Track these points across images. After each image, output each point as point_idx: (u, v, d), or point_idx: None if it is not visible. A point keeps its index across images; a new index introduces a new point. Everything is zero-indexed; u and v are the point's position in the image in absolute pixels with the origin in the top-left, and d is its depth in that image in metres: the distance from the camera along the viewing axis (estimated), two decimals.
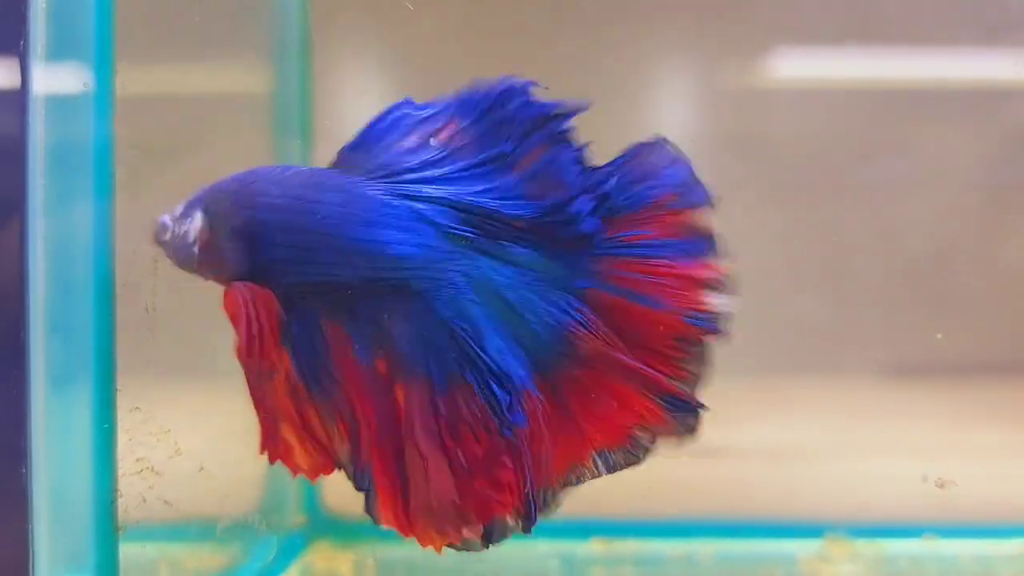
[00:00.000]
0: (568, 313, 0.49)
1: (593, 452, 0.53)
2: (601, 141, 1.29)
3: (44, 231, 0.49)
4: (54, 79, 0.49)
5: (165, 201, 0.63)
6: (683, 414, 0.53)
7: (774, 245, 1.31)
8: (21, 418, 0.49)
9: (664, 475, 0.96)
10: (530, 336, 0.49)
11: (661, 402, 0.52)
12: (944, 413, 1.19)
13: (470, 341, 0.47)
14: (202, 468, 0.56)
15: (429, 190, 0.48)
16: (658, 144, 0.53)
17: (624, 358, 0.50)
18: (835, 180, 1.25)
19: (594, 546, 0.86)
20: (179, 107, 0.69)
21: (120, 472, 0.49)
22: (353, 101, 1.14)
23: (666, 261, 0.51)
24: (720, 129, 1.30)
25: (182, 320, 0.56)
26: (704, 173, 1.32)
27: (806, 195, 1.23)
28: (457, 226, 0.47)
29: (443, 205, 0.47)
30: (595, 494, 0.92)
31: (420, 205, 0.47)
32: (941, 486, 0.78)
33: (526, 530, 0.51)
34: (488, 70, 1.23)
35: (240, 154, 0.75)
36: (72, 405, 0.49)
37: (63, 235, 0.49)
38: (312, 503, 0.86)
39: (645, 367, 0.50)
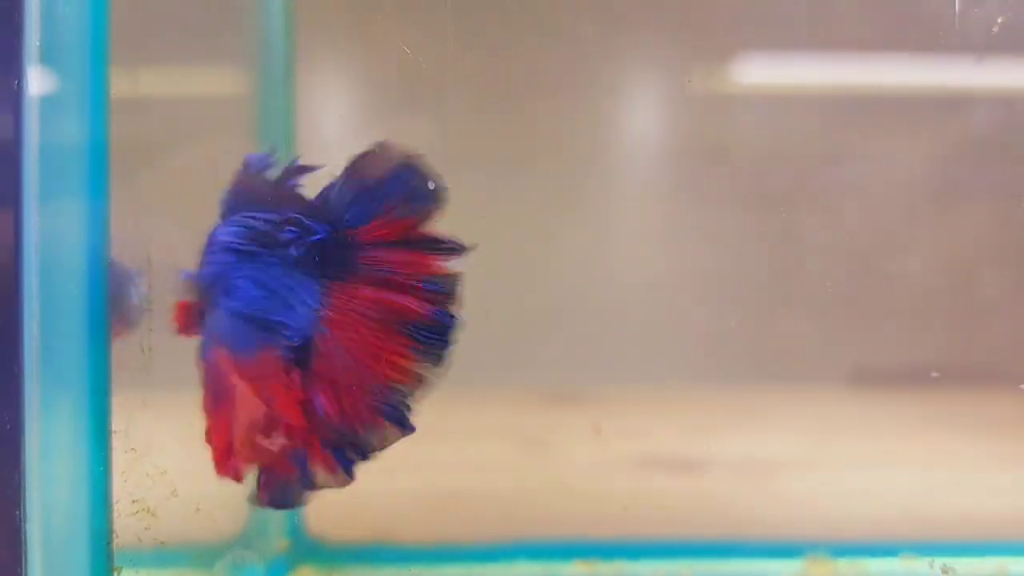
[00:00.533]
0: (322, 283, 0.60)
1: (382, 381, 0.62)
2: (577, 146, 1.29)
3: (39, 262, 0.48)
4: (48, 81, 0.48)
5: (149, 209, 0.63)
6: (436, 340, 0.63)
7: (743, 252, 1.32)
8: (15, 459, 0.48)
9: (642, 490, 0.98)
10: (302, 305, 0.59)
11: (414, 332, 0.62)
12: (918, 423, 1.21)
13: (260, 314, 0.57)
14: (198, 508, 0.56)
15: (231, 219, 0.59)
16: (381, 150, 0.62)
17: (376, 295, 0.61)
18: (805, 187, 1.26)
19: (576, 568, 0.86)
20: (162, 110, 0.69)
21: (116, 513, 0.49)
22: (335, 106, 1.13)
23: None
24: (688, 135, 1.30)
25: (178, 358, 0.55)
26: (674, 179, 1.33)
27: (776, 202, 1.24)
28: (240, 241, 0.58)
29: (234, 226, 0.58)
30: (575, 513, 0.93)
31: (221, 230, 0.59)
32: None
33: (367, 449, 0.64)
34: (466, 78, 1.23)
35: (223, 158, 0.75)
36: (67, 447, 0.48)
37: (56, 267, 0.49)
38: (295, 528, 0.86)
39: (393, 299, 0.61)
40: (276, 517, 0.84)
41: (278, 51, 0.78)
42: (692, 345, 1.35)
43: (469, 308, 1.35)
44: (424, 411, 1.26)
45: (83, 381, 0.48)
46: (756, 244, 1.30)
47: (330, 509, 0.84)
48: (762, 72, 1.23)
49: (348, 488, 0.94)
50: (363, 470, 1.02)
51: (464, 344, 1.34)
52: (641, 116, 1.29)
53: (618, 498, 0.95)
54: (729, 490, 0.97)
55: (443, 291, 0.63)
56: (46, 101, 0.48)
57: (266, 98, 0.75)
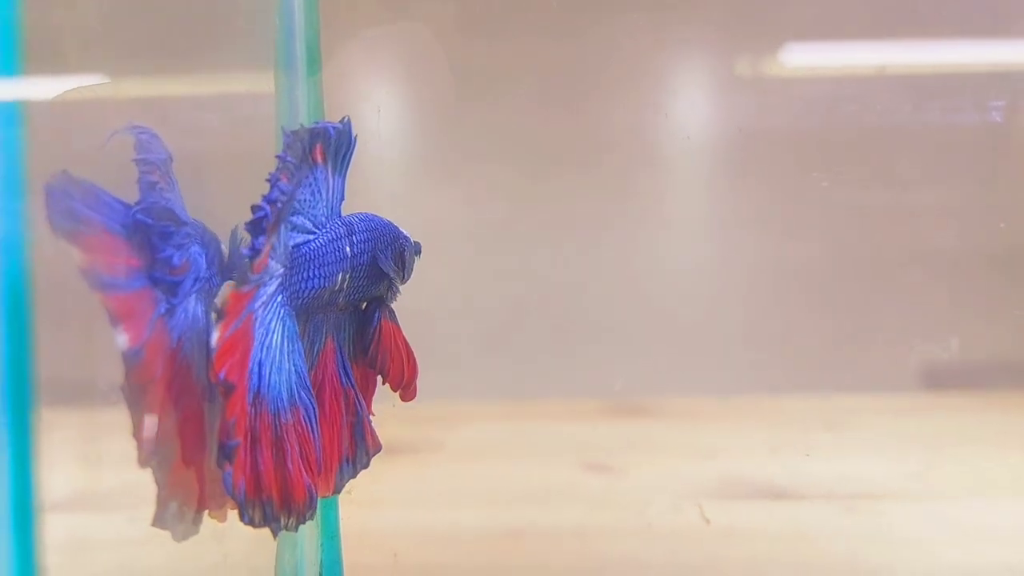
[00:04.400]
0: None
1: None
2: (633, 138, 1.18)
3: None
4: None
5: None
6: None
7: (807, 245, 1.19)
8: None
9: (727, 527, 0.85)
10: None
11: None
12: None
13: None
14: None
15: None
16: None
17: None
18: (863, 172, 1.14)
19: None
20: (185, 111, 0.63)
21: None
22: (363, 105, 1.02)
23: None
24: (747, 123, 1.19)
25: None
26: (737, 170, 1.21)
27: (837, 189, 1.12)
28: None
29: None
30: (652, 558, 0.81)
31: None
32: None
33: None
34: (504, 67, 1.12)
35: (246, 157, 0.65)
36: None
37: None
38: None
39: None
40: None
41: (303, 51, 0.66)
42: (760, 349, 1.23)
43: (523, 309, 1.24)
44: (482, 426, 1.16)
45: None
46: (821, 236, 1.19)
47: (371, 557, 0.73)
48: (813, 56, 1.12)
49: (396, 528, 0.83)
50: (413, 504, 0.92)
51: (520, 351, 1.23)
52: (696, 104, 1.18)
53: (701, 537, 0.82)
54: (828, 527, 0.83)
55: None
56: None
57: (289, 99, 0.64)
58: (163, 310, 0.45)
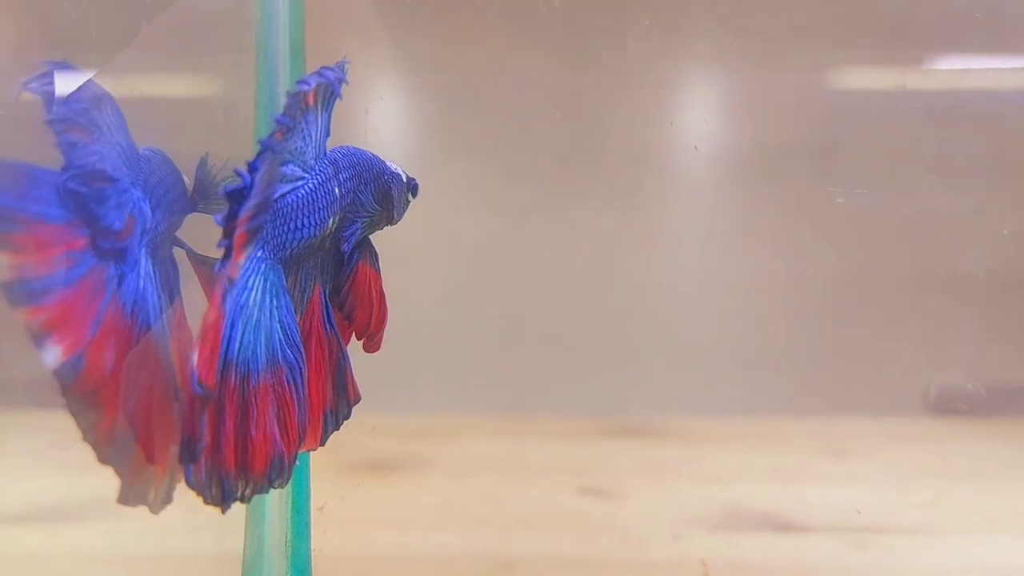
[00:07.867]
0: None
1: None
2: (638, 148, 1.13)
3: None
4: None
5: None
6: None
7: (814, 263, 1.14)
8: None
9: (731, 562, 0.80)
10: None
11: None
12: None
13: None
14: None
15: None
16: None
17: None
18: (878, 188, 1.09)
19: None
20: (165, 111, 0.59)
21: None
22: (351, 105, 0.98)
23: None
24: (760, 137, 1.14)
25: None
26: (744, 186, 1.16)
27: (841, 204, 1.07)
28: None
29: None
30: None
31: None
32: None
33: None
34: (503, 70, 1.08)
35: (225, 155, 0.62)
36: None
37: None
38: None
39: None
40: None
41: (285, 47, 0.61)
42: (766, 369, 1.18)
43: (522, 322, 1.19)
44: (475, 443, 1.11)
45: None
46: (832, 253, 1.14)
47: None
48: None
49: (376, 553, 0.78)
50: (397, 527, 0.86)
51: (518, 365, 1.19)
52: (707, 115, 1.13)
53: (701, 572, 0.77)
54: (835, 563, 0.78)
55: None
56: None
57: (269, 97, 0.59)
58: (115, 286, 0.40)
